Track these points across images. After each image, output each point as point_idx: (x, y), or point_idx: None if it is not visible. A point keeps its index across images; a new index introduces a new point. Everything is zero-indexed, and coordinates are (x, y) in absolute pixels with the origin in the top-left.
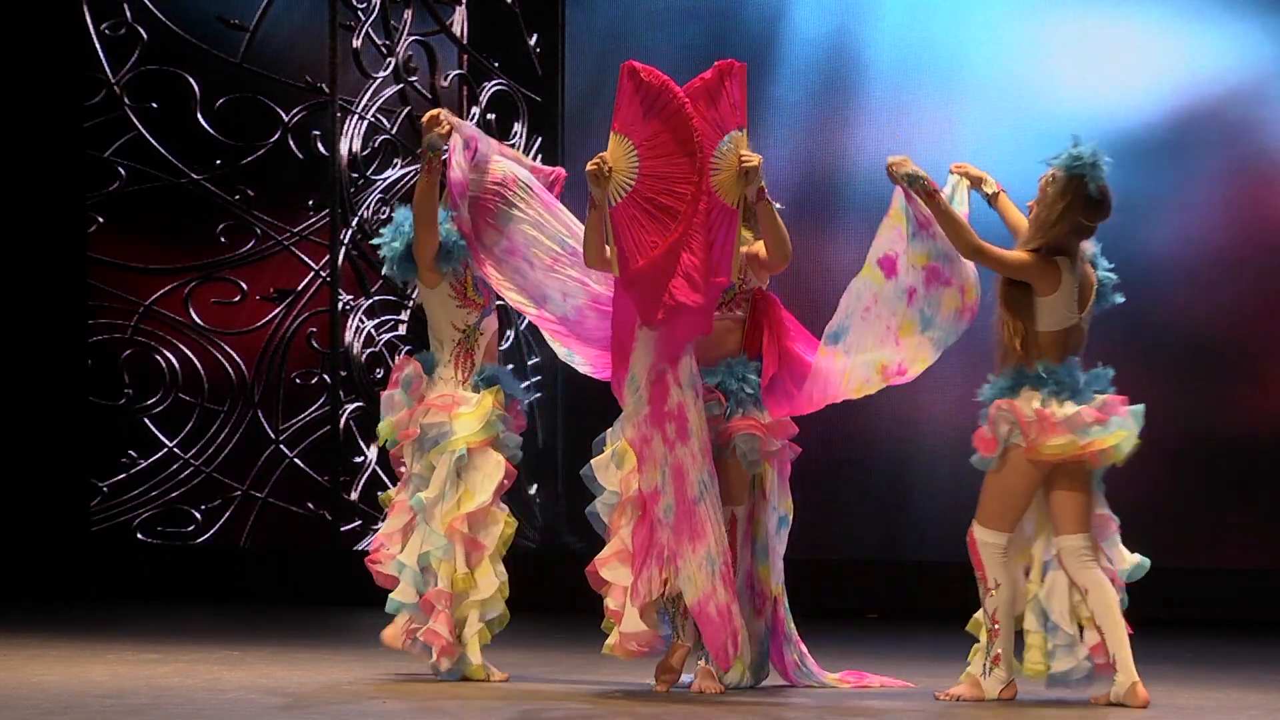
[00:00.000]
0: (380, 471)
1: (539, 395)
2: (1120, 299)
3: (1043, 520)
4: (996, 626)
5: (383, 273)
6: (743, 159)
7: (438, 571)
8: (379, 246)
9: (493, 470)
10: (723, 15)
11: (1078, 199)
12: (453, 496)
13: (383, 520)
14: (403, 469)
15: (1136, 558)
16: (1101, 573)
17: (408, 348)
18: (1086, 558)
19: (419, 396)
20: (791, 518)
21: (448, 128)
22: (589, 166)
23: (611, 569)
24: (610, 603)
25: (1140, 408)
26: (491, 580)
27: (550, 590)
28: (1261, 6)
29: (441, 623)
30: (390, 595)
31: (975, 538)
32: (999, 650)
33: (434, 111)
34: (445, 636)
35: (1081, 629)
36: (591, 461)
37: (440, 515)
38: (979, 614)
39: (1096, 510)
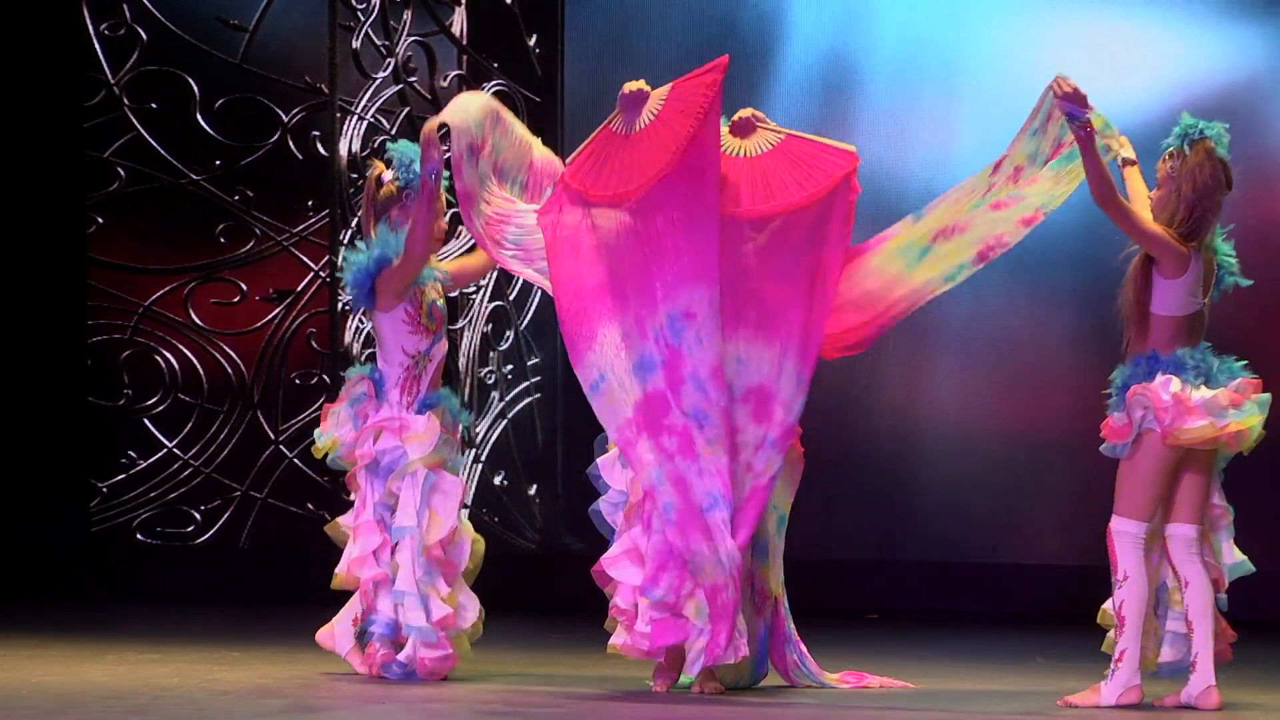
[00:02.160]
0: None
1: (538, 396)
2: (1246, 282)
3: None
4: (1122, 619)
5: (343, 286)
6: None
7: (428, 595)
8: (345, 260)
9: (452, 491)
10: (722, 16)
11: (1215, 170)
12: (423, 521)
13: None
14: (353, 496)
15: (1241, 556)
16: (1203, 568)
17: (360, 369)
18: (1195, 550)
19: (364, 416)
20: (788, 516)
21: (444, 149)
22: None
23: (620, 568)
24: (619, 601)
25: (1267, 396)
26: (475, 602)
27: (549, 590)
28: (1260, 6)
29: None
30: (409, 625)
31: (1113, 529)
32: (1124, 647)
33: (427, 134)
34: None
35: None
36: (598, 460)
37: (420, 541)
38: (1108, 604)
39: (1212, 500)
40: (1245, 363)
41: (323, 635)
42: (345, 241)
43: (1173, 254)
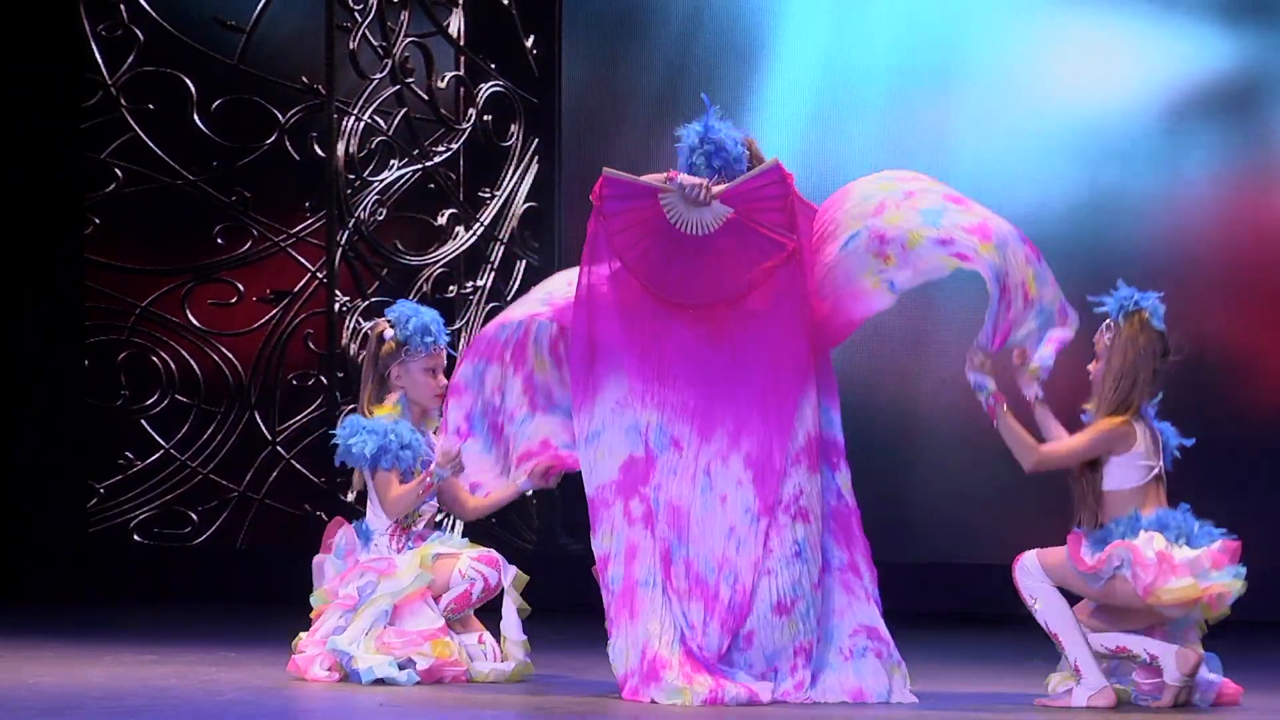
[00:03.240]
0: None
1: None
2: (1189, 442)
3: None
4: (1056, 636)
5: (334, 444)
6: None
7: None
8: (343, 440)
9: (425, 621)
10: (722, 16)
11: (1150, 341)
12: (370, 640)
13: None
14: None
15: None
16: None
17: (339, 518)
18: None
19: (353, 561)
20: None
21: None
22: None
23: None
24: None
25: (1244, 568)
26: (486, 645)
27: (546, 590)
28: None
29: (456, 678)
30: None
31: (1022, 565)
32: (1074, 658)
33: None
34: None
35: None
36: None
37: (364, 648)
38: (1053, 676)
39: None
40: (1224, 530)
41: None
42: (342, 242)
43: (1113, 439)
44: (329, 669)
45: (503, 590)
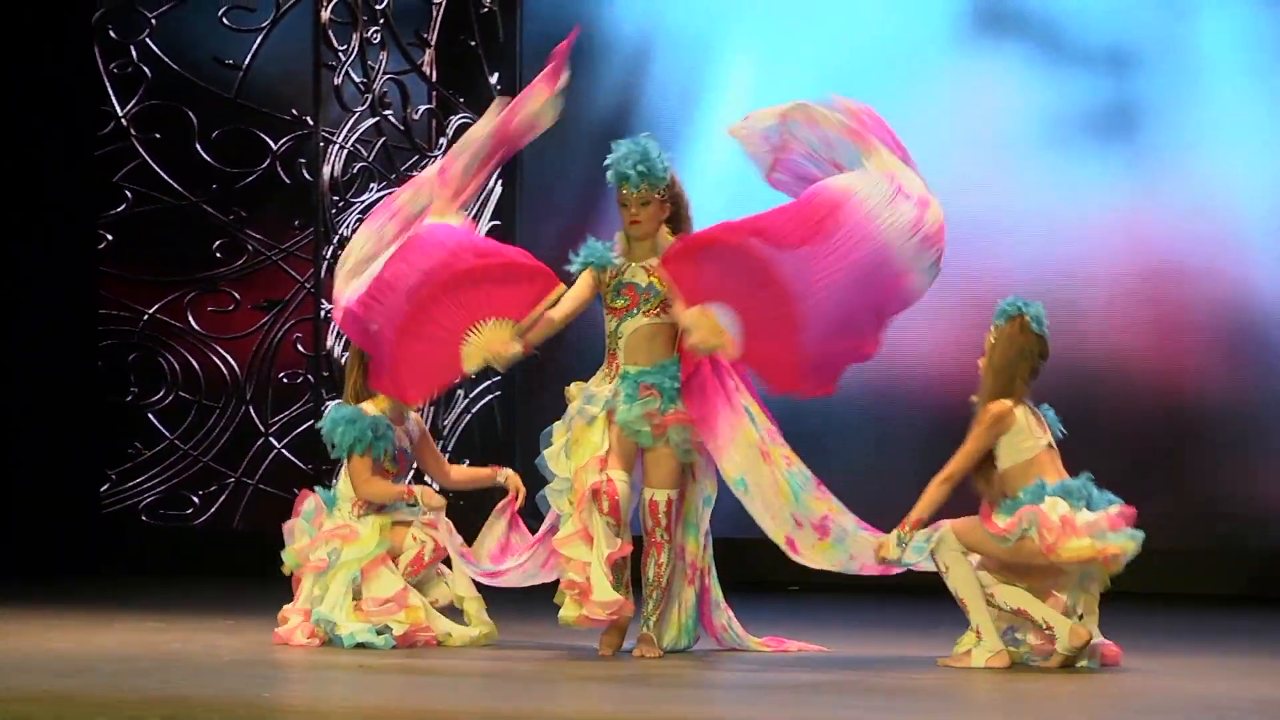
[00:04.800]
0: None
1: (499, 395)
2: (1064, 433)
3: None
4: (964, 602)
5: (324, 436)
6: None
7: (392, 624)
8: (326, 428)
9: (387, 583)
10: (664, 54)
11: (1027, 341)
12: (349, 606)
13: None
14: (299, 590)
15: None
16: (964, 557)
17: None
18: (962, 552)
19: (319, 525)
20: (715, 497)
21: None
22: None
23: (571, 547)
24: (573, 576)
25: (1141, 533)
26: (442, 619)
27: None
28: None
29: (429, 642)
30: (368, 642)
31: (939, 535)
32: (977, 623)
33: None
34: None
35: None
36: (544, 452)
37: (345, 615)
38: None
39: (1061, 597)
40: (1121, 501)
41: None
42: (327, 257)
43: (996, 420)
44: (309, 636)
45: (448, 555)
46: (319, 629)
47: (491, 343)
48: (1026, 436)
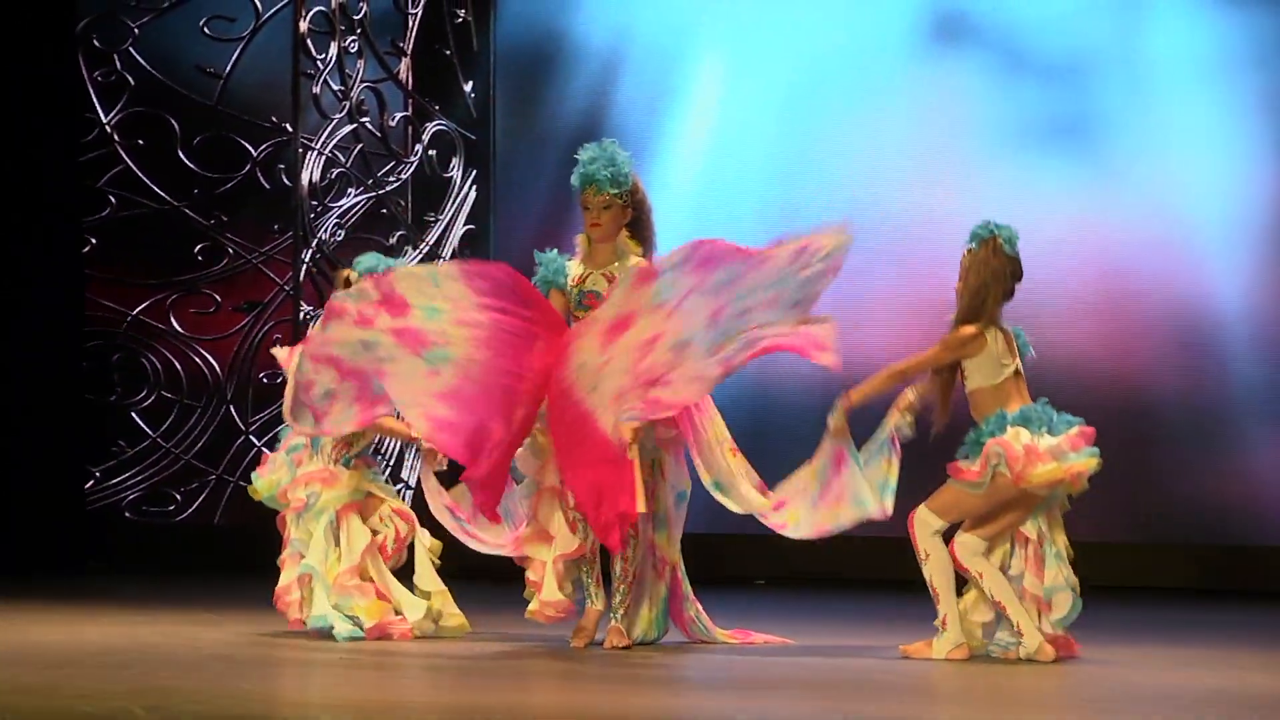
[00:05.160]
0: None
1: None
2: (1033, 356)
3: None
4: (936, 591)
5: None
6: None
7: (359, 614)
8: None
9: (357, 535)
10: (632, 65)
11: (1001, 263)
12: (333, 554)
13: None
14: (286, 533)
15: (1064, 585)
16: (988, 562)
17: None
18: (982, 555)
19: (298, 464)
20: (690, 492)
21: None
22: None
23: (532, 546)
24: (531, 574)
25: (1096, 450)
26: (419, 602)
27: (482, 562)
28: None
29: (403, 635)
30: (335, 633)
31: (917, 517)
32: (944, 613)
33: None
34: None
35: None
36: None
37: (327, 573)
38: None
39: (1028, 534)
40: (1081, 420)
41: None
42: (306, 260)
43: (963, 342)
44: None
45: (414, 544)
46: (306, 587)
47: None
48: (995, 362)
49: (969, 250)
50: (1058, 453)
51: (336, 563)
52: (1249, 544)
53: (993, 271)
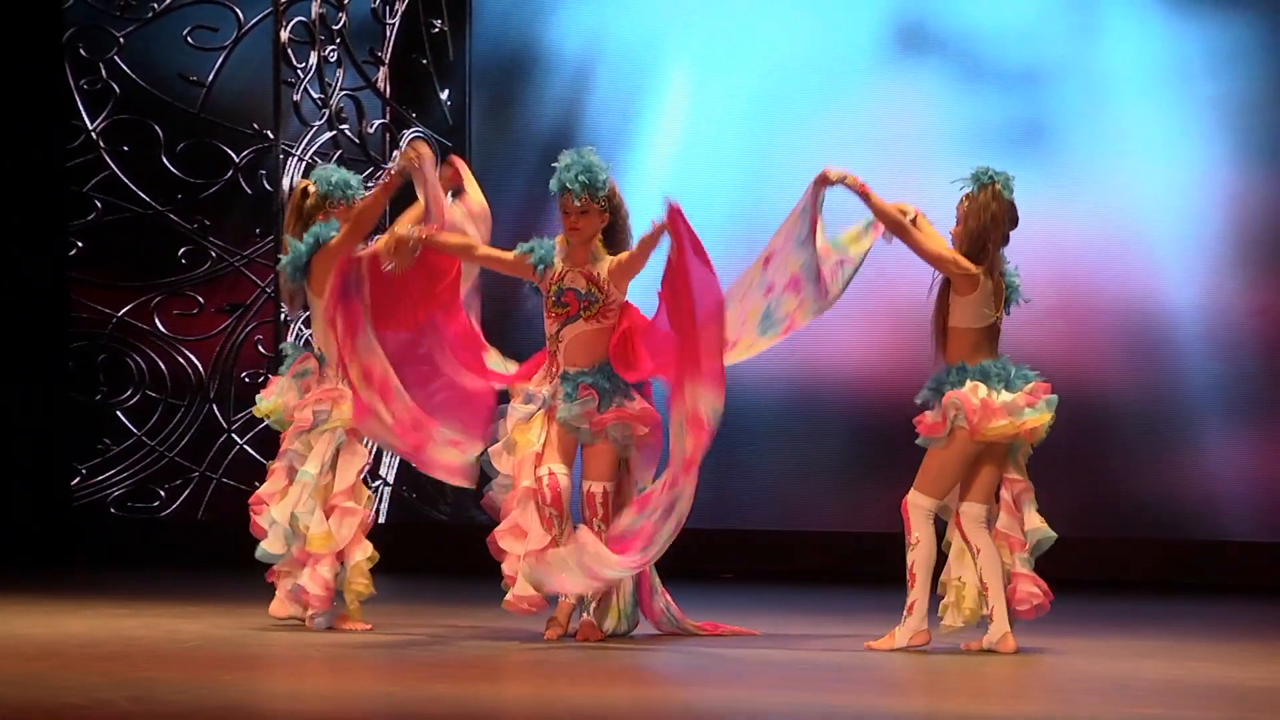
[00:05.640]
0: None
1: None
2: (1028, 299)
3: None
4: (914, 576)
5: (280, 267)
6: None
7: (305, 533)
8: (282, 256)
9: (357, 458)
10: (604, 72)
11: (1000, 207)
12: (328, 475)
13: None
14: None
15: (1042, 523)
16: (990, 537)
17: (305, 349)
18: (984, 523)
19: (307, 388)
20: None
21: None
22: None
23: (507, 541)
24: (506, 568)
25: (1055, 397)
26: (367, 545)
27: (460, 555)
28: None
29: (314, 581)
30: (260, 545)
31: (910, 501)
32: (914, 599)
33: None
34: (318, 592)
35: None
36: (489, 450)
37: (319, 489)
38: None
39: (1014, 476)
40: (1038, 371)
41: (274, 608)
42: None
43: (959, 272)
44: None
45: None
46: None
47: (397, 228)
48: (979, 309)
49: (967, 195)
50: (1013, 409)
51: (329, 486)
52: (1204, 539)
53: (992, 215)
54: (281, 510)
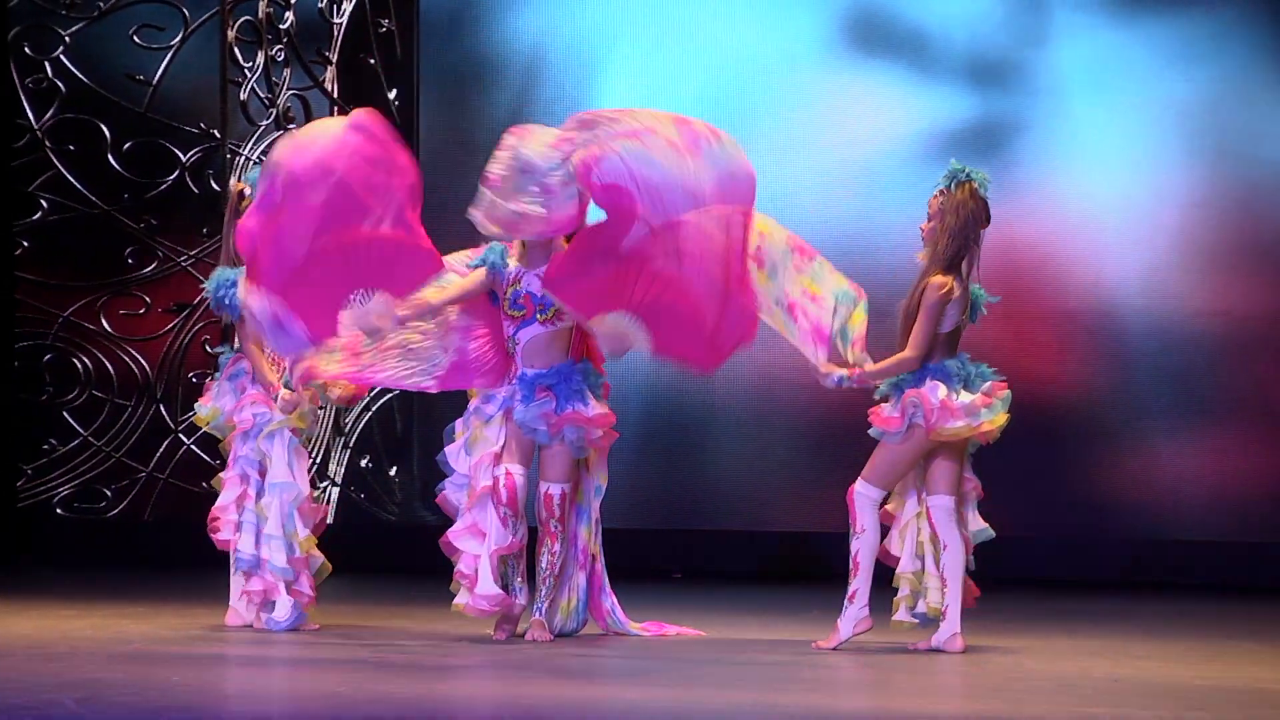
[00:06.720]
0: None
1: (397, 394)
2: (995, 299)
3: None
4: (857, 565)
5: (206, 296)
6: None
7: (294, 540)
8: (212, 292)
9: (305, 459)
10: (554, 71)
11: (977, 206)
12: (296, 477)
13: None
14: (231, 453)
15: (984, 524)
16: (959, 534)
17: (237, 352)
18: (953, 517)
19: (242, 389)
20: (605, 487)
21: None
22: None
23: (463, 540)
24: (462, 568)
25: (1009, 394)
26: (319, 555)
27: (408, 556)
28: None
29: (306, 583)
30: (269, 560)
31: (857, 490)
32: (856, 588)
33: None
34: (309, 594)
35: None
36: (445, 448)
37: (296, 494)
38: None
39: (966, 475)
40: (995, 369)
41: (230, 618)
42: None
43: (944, 299)
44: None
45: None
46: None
47: (369, 314)
48: (951, 309)
49: (942, 191)
50: (970, 410)
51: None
52: (1154, 537)
53: (970, 214)
54: (273, 524)
